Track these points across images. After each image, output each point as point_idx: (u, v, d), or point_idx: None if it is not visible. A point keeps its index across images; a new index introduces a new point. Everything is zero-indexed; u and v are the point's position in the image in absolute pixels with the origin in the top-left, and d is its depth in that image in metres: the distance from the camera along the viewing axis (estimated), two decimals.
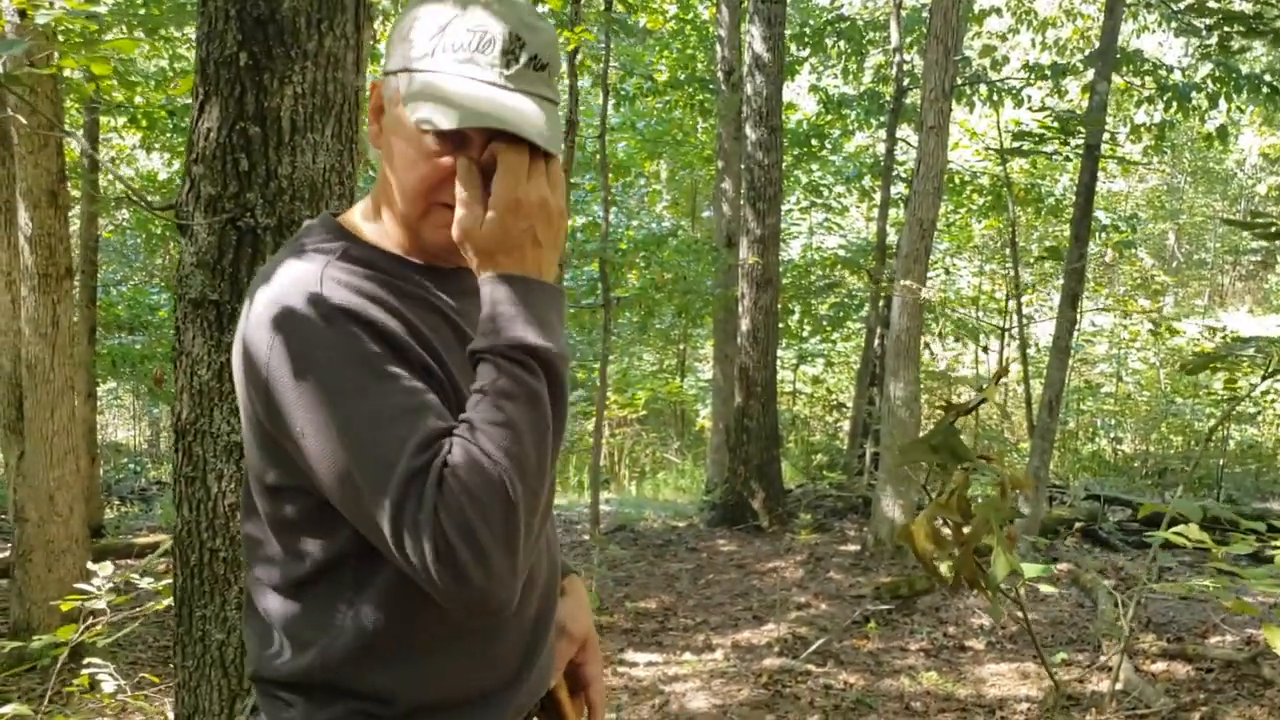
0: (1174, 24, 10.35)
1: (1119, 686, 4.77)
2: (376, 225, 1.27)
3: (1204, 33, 8.27)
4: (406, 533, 1.06)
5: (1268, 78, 9.17)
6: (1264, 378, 4.46)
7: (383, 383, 1.11)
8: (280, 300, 1.15)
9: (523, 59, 1.18)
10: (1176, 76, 9.56)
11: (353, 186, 2.60)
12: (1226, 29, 7.55)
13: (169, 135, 9.72)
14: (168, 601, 3.06)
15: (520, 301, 1.14)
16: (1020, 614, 2.43)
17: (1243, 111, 11.41)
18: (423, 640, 1.20)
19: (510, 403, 1.09)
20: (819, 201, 14.40)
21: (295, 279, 1.16)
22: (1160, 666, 5.30)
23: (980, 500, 1.70)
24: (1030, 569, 2.62)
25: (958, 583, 1.73)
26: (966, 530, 1.68)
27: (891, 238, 11.31)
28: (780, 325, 11.30)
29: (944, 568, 1.75)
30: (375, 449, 1.08)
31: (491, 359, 1.12)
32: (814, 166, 14.01)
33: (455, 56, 1.16)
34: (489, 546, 1.05)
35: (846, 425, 13.38)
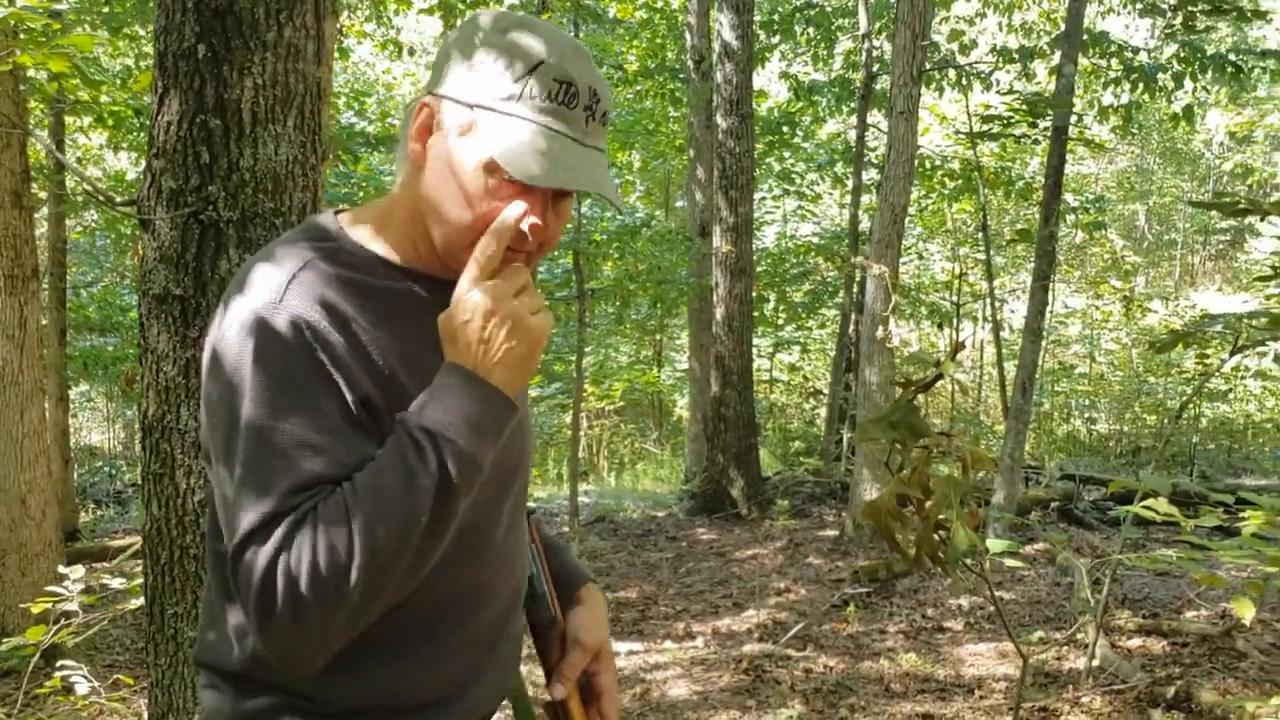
0: (1139, 4, 10.42)
1: (1096, 663, 4.81)
2: (384, 233, 1.26)
3: (1168, 13, 8.33)
4: (243, 563, 1.07)
5: (1232, 56, 9.23)
6: (1232, 353, 4.50)
7: (296, 410, 1.10)
8: (240, 298, 1.15)
9: (598, 114, 1.19)
10: (1143, 58, 9.62)
11: (317, 178, 2.59)
12: (1190, 8, 7.60)
13: (135, 134, 9.63)
14: (141, 601, 3.04)
15: (456, 392, 1.13)
16: (988, 591, 2.44)
17: (1208, 91, 11.49)
18: (347, 649, 1.15)
19: (394, 479, 1.08)
20: (792, 189, 14.42)
21: (264, 278, 1.16)
22: (1136, 642, 5.35)
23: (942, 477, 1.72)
24: (995, 544, 2.65)
25: (920, 558, 1.74)
26: (928, 506, 1.70)
27: (865, 224, 11.35)
28: (755, 313, 11.32)
29: (906, 543, 1.76)
30: (256, 471, 1.09)
31: (401, 431, 1.11)
32: (786, 154, 14.02)
33: (542, 106, 1.15)
34: (308, 611, 1.05)
35: (824, 412, 13.43)
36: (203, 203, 2.35)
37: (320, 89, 2.57)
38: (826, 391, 13.30)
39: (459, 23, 1.29)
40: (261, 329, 1.11)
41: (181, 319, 2.37)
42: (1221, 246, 22.26)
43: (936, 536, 1.71)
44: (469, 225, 1.17)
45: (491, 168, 1.15)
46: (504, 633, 1.36)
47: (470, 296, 1.14)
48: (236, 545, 1.08)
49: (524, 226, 1.17)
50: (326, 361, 1.12)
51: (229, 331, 1.14)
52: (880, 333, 6.93)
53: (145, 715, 2.97)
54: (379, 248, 1.25)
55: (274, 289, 1.14)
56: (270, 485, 1.08)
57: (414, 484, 1.08)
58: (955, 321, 13.07)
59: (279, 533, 1.06)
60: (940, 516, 1.70)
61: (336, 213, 1.31)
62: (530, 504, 1.55)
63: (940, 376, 1.72)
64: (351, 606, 1.07)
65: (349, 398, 1.13)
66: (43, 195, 9.05)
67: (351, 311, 1.17)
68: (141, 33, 8.75)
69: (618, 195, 1.21)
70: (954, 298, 13.03)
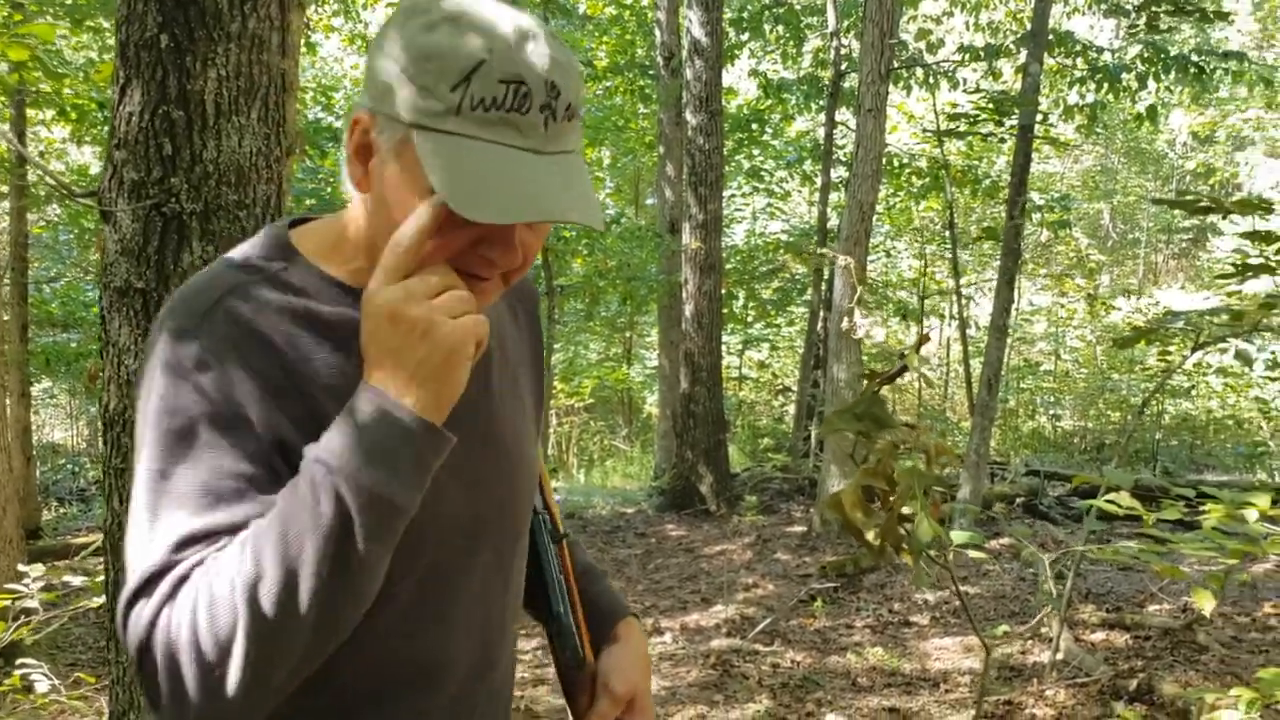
0: (1103, 4, 10.52)
1: (1059, 656, 4.86)
2: (339, 253, 1.11)
3: (1132, 13, 8.41)
4: (130, 623, 0.94)
5: (1194, 58, 9.33)
6: (1193, 349, 4.56)
7: (197, 453, 0.97)
8: (163, 321, 1.03)
9: (560, 111, 0.98)
10: (1107, 58, 9.71)
11: (282, 171, 2.57)
12: (1154, 9, 7.68)
13: (99, 128, 9.53)
14: (102, 598, 3.01)
15: (362, 418, 0.94)
16: (952, 582, 2.46)
17: (1171, 91, 11.62)
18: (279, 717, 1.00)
19: (282, 527, 0.91)
20: (761, 186, 14.48)
21: (188, 302, 1.04)
22: (1100, 636, 5.41)
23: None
24: (958, 536, 2.68)
25: (883, 549, 1.75)
26: (893, 498, 1.71)
27: (833, 221, 11.40)
28: (725, 310, 11.35)
29: (871, 535, 1.78)
30: (149, 517, 0.96)
31: (303, 468, 0.94)
32: (755, 151, 14.07)
33: (487, 118, 0.95)
34: (187, 679, 0.90)
35: (792, 409, 13.49)
36: (165, 194, 2.32)
37: (285, 81, 2.55)
38: (795, 388, 13.36)
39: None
40: (170, 360, 0.99)
41: (143, 312, 2.35)
42: (1184, 245, 22.52)
43: (900, 528, 1.73)
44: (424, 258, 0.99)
45: (451, 207, 0.95)
46: (464, 708, 1.17)
47: (373, 302, 0.96)
48: (124, 602, 0.95)
49: (483, 254, 1.01)
50: (237, 399, 0.98)
51: (146, 358, 1.03)
52: (845, 324, 6.97)
53: (106, 713, 2.94)
54: (333, 269, 1.10)
55: (194, 315, 1.01)
56: (159, 535, 0.95)
57: (305, 531, 0.91)
58: (920, 315, 13.17)
59: (160, 590, 0.92)
60: (904, 509, 1.71)
61: (293, 224, 1.15)
62: (563, 528, 1.37)
63: (905, 369, 1.73)
64: (242, 680, 0.90)
65: (263, 441, 0.99)
66: (4, 189, 8.94)
67: (284, 343, 1.03)
68: (105, 25, 8.66)
69: (595, 210, 1.01)
70: (920, 293, 13.13)
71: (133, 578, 0.95)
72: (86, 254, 13.18)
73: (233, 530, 0.94)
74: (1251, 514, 2.93)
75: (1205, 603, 2.72)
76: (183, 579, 0.93)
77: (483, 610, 1.17)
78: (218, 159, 2.35)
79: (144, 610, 0.93)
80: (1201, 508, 3.14)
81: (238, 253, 1.11)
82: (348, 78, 17.68)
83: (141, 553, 0.95)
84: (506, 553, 1.21)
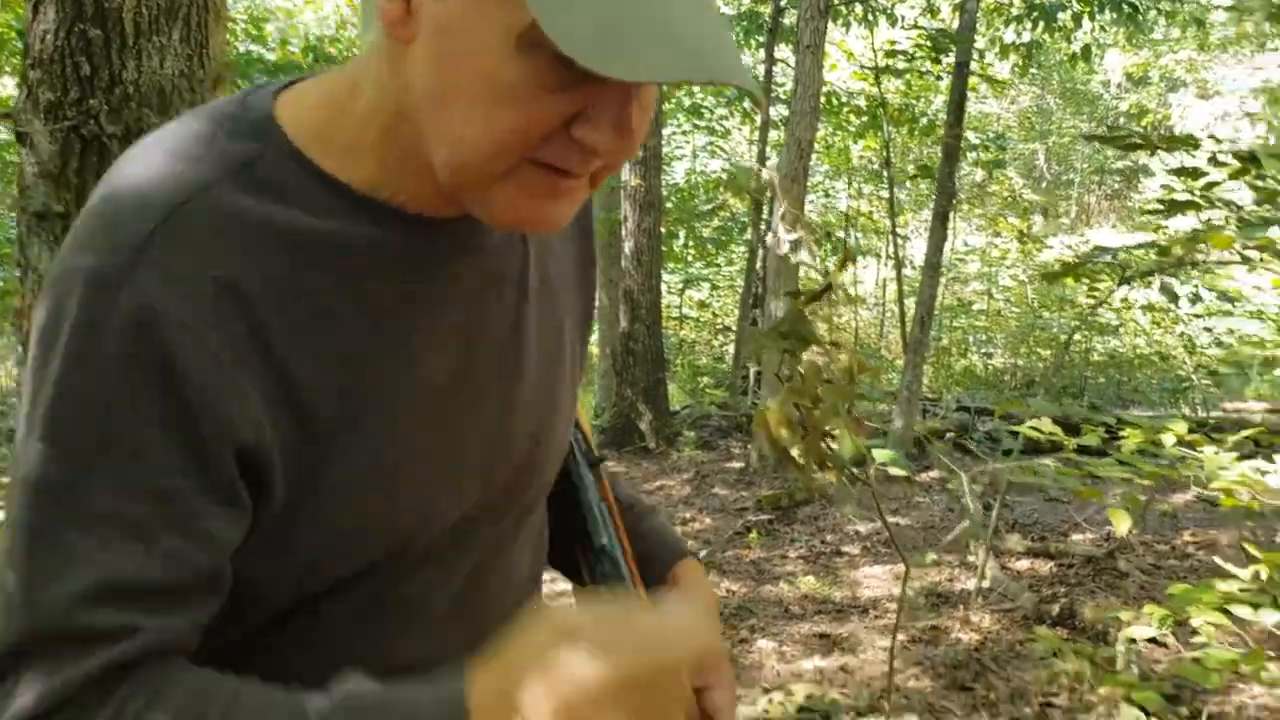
0: None
1: (985, 584, 5.00)
2: (337, 135, 0.74)
3: None
4: None
5: None
6: (1119, 283, 4.66)
7: (111, 465, 0.65)
8: (79, 254, 0.68)
9: None
10: None
11: (207, 98, 2.51)
12: None
13: (19, 57, 9.24)
14: None
15: None
16: (875, 504, 2.52)
17: (1106, 31, 11.74)
18: None
19: None
20: (701, 124, 14.44)
21: (120, 226, 0.68)
22: (1024, 564, 5.57)
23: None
24: (881, 454, 2.75)
25: (808, 466, 1.79)
26: (815, 414, 1.76)
27: (773, 160, 11.42)
28: (665, 249, 11.37)
29: (796, 452, 1.82)
30: (30, 556, 0.65)
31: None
32: (695, 88, 14.00)
33: None
34: None
35: (732, 348, 13.60)
36: (83, 116, 2.27)
37: (209, 3, 2.49)
38: (735, 327, 13.45)
39: None
40: (83, 317, 0.66)
41: (63, 237, 2.30)
42: (1117, 186, 22.89)
43: (824, 445, 1.77)
44: (500, 139, 0.67)
45: (534, 40, 0.62)
46: None
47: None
48: None
49: (580, 138, 0.67)
50: (184, 384, 0.66)
51: (45, 308, 0.68)
52: (770, 239, 6.99)
53: None
54: (327, 161, 0.74)
55: (123, 247, 0.66)
56: (56, 579, 0.64)
57: None
58: (844, 239, 13.30)
59: (64, 675, 0.64)
60: (828, 427, 1.76)
61: (277, 92, 0.77)
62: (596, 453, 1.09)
63: (830, 287, 1.76)
64: None
65: (223, 444, 0.68)
66: None
67: (259, 286, 0.69)
68: None
69: (748, 72, 0.67)
70: (852, 228, 13.24)
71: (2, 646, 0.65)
72: (10, 188, 12.83)
73: (153, 593, 0.66)
74: (1169, 439, 3.03)
75: (1121, 523, 2.82)
76: (119, 671, 0.64)
77: (478, 600, 0.91)
78: (138, 80, 2.29)
79: (14, 695, 0.64)
80: (1121, 434, 3.24)
81: (189, 129, 0.76)
82: (279, 10, 17.22)
83: (14, 612, 0.65)
84: (512, 529, 0.94)
